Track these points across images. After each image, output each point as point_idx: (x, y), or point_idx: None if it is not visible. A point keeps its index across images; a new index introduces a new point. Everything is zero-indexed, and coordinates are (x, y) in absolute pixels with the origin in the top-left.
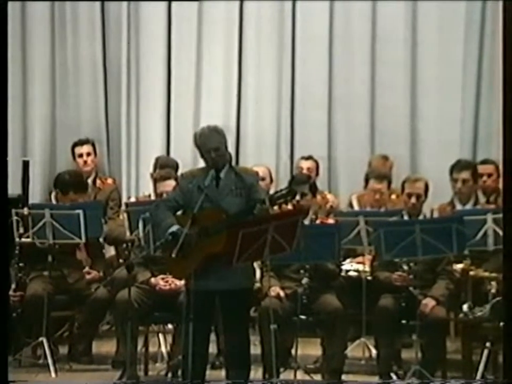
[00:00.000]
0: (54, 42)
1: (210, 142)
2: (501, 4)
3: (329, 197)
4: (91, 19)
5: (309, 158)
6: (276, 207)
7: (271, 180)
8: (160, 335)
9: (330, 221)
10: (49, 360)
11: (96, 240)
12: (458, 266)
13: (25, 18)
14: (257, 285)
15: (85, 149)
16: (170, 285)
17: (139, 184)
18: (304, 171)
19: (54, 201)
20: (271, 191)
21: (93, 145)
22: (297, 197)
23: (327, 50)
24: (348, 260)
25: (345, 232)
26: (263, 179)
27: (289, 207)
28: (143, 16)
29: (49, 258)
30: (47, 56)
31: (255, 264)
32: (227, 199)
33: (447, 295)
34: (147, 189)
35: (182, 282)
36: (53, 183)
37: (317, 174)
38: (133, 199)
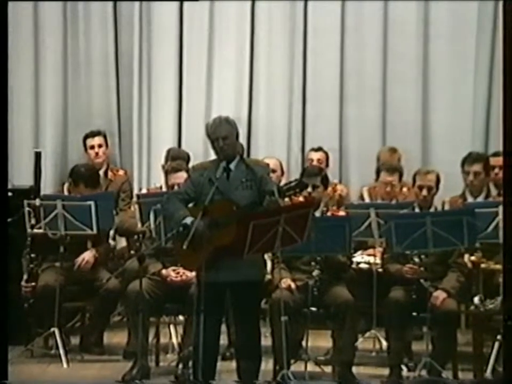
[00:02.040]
0: (66, 35)
1: (219, 131)
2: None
3: (339, 186)
4: (103, 12)
5: (318, 149)
6: (287, 199)
7: (282, 172)
8: (171, 326)
9: (341, 213)
10: (61, 351)
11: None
12: (470, 258)
13: (37, 11)
14: (268, 276)
15: (97, 140)
16: (181, 276)
17: (150, 176)
18: (314, 162)
19: (66, 193)
20: (282, 183)
21: (105, 137)
22: (309, 189)
23: (339, 44)
24: (359, 252)
25: (356, 224)
26: (274, 171)
27: (301, 199)
28: (155, 9)
29: (61, 249)
30: (59, 49)
31: (266, 256)
32: (237, 191)
33: (458, 287)
34: (158, 181)
35: (193, 273)
36: (67, 174)
37: (327, 165)
38: (144, 191)
